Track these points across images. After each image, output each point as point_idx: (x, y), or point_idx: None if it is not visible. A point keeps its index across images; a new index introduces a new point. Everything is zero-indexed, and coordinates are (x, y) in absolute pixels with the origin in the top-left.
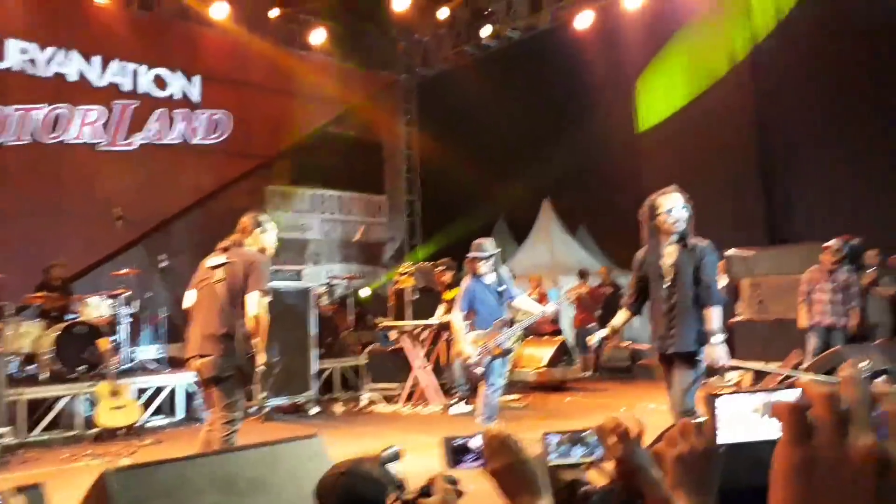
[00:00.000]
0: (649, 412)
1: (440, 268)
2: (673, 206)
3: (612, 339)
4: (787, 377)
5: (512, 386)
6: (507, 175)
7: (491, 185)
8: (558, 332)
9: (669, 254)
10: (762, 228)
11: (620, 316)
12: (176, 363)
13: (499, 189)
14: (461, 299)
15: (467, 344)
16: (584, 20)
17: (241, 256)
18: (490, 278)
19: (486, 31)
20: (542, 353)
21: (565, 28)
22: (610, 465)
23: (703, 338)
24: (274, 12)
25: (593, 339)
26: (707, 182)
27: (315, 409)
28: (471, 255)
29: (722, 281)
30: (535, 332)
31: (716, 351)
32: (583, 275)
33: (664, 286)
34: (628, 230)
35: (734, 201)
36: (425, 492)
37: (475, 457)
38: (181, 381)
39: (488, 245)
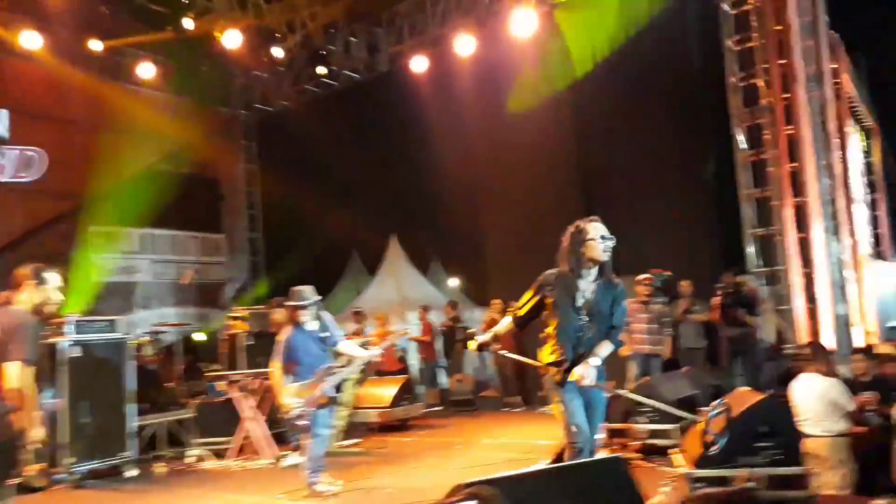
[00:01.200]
0: (484, 447)
1: (273, 307)
2: (602, 233)
3: (493, 345)
4: None
5: (353, 429)
6: (356, 211)
7: (340, 221)
8: (404, 370)
9: (589, 288)
10: None
11: (504, 324)
12: None
13: (350, 225)
14: (281, 350)
15: (289, 396)
16: (419, 64)
17: (5, 317)
18: (312, 325)
19: (323, 70)
20: (385, 392)
21: (403, 70)
22: None
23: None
24: (96, 45)
25: (472, 345)
26: (536, 221)
27: (133, 472)
28: (290, 303)
29: None
30: (378, 371)
31: (587, 370)
32: (426, 310)
33: (580, 319)
34: (474, 266)
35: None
36: None
37: None
38: None
39: (308, 293)
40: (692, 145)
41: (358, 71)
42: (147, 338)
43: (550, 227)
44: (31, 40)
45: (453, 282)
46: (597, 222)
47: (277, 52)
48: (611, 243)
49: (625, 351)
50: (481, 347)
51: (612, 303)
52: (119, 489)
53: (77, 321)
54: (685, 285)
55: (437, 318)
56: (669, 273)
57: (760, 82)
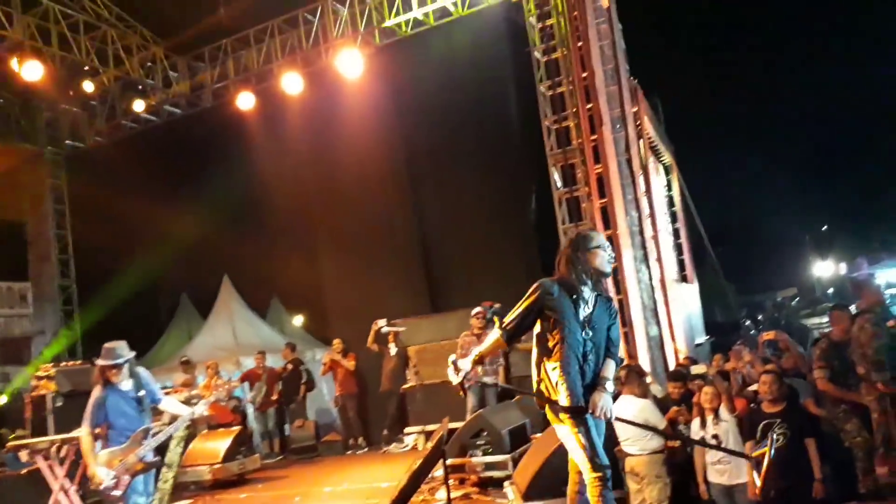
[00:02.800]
0: (325, 496)
1: (92, 364)
2: (605, 242)
3: (474, 369)
4: None
5: (185, 488)
6: (185, 249)
7: (168, 260)
8: (240, 421)
9: (590, 301)
10: (426, 296)
11: (489, 341)
12: None
13: (179, 264)
14: (91, 412)
15: (100, 465)
16: (246, 101)
17: None
18: (126, 385)
19: (139, 105)
20: (218, 446)
21: (228, 106)
22: None
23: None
24: None
25: (454, 377)
26: (373, 258)
27: None
28: (101, 362)
29: (392, 350)
30: (211, 424)
31: (604, 398)
32: (263, 356)
33: (584, 333)
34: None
35: (399, 272)
36: None
37: None
38: None
39: (121, 349)
40: (516, 184)
41: (179, 105)
42: None
43: (386, 264)
44: None
45: (297, 319)
46: (597, 232)
47: (88, 85)
48: (612, 255)
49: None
50: (465, 376)
51: (609, 318)
52: None
53: None
54: None
55: (275, 363)
56: (499, 304)
57: (571, 124)
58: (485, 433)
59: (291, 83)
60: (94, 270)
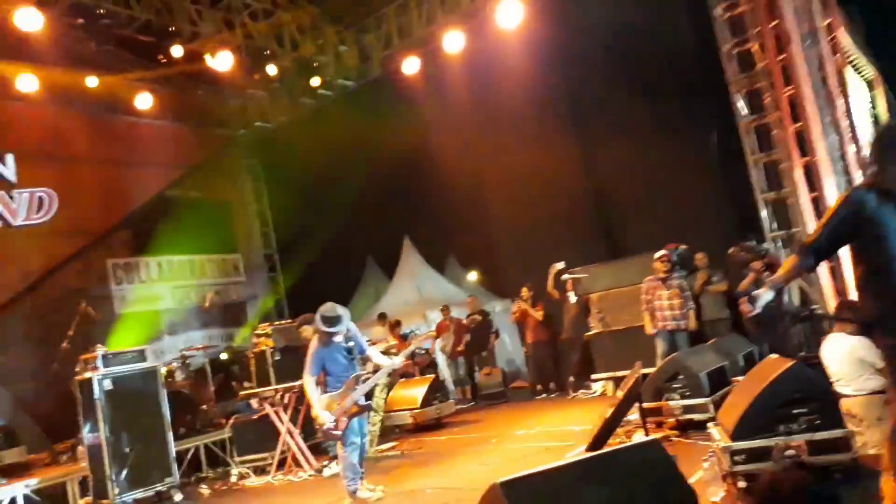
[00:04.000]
0: (519, 438)
1: (298, 324)
2: None
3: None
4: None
5: (388, 433)
6: (367, 215)
7: (352, 228)
8: (432, 367)
9: None
10: (602, 245)
11: (787, 268)
12: (15, 470)
13: (362, 231)
14: (311, 362)
15: (321, 408)
16: (411, 66)
17: None
18: (338, 337)
19: (315, 82)
20: (415, 393)
21: (396, 74)
22: None
23: None
24: (91, 81)
25: (759, 301)
26: (543, 207)
27: (178, 496)
28: (323, 328)
29: (572, 298)
30: (405, 373)
31: None
32: (447, 309)
33: None
34: (489, 259)
35: (572, 222)
36: None
37: None
38: (19, 492)
39: (338, 310)
40: (694, 119)
41: (351, 78)
42: (177, 363)
43: (560, 214)
44: (27, 83)
45: (472, 276)
46: None
47: (270, 69)
48: None
49: (649, 329)
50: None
51: None
52: None
53: (104, 355)
54: (701, 258)
55: (459, 315)
56: (685, 247)
57: (754, 47)
58: (681, 376)
59: (453, 41)
60: (291, 239)
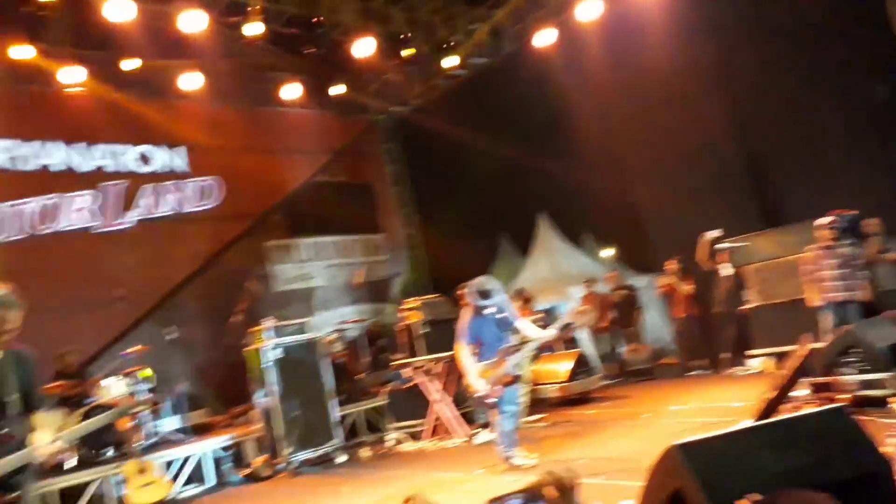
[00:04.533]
0: (672, 414)
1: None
2: None
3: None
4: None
5: (534, 406)
6: (501, 194)
7: (487, 205)
8: (573, 342)
9: None
10: (756, 214)
11: None
12: (200, 430)
13: (497, 208)
14: (464, 332)
15: (475, 377)
16: (544, 38)
17: None
18: (490, 308)
19: (449, 62)
20: (561, 367)
21: (530, 48)
22: None
23: None
24: (246, 76)
25: None
26: (691, 177)
27: (342, 458)
28: (476, 300)
29: (726, 270)
30: (550, 347)
31: None
32: (591, 283)
33: None
34: (629, 233)
35: (722, 191)
36: None
37: None
38: (208, 448)
39: (491, 282)
40: (858, 72)
41: (484, 56)
42: (334, 335)
43: (707, 184)
44: (192, 81)
45: (606, 252)
46: None
47: (405, 52)
48: None
49: (815, 301)
50: None
51: None
52: (333, 474)
53: (272, 327)
54: (874, 223)
55: (601, 290)
56: (854, 212)
57: None
58: (857, 350)
59: (589, 10)
60: (430, 217)
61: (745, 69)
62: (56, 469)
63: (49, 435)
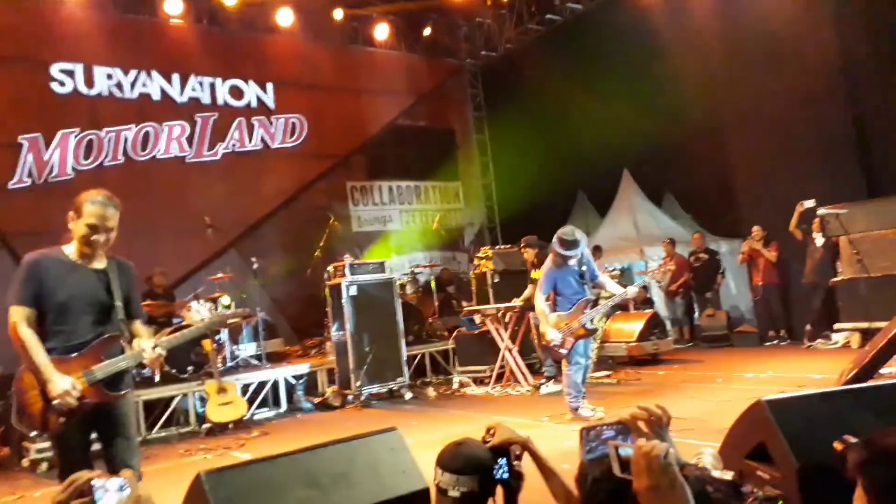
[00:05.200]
0: (747, 381)
1: (522, 246)
2: None
3: None
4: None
5: (602, 362)
6: (583, 148)
7: (567, 160)
8: (650, 302)
9: None
10: (861, 184)
11: None
12: (275, 358)
13: (576, 163)
14: (543, 281)
15: (550, 326)
16: None
17: None
18: (572, 260)
19: (544, 7)
20: (633, 326)
21: None
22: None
23: None
24: (338, 13)
25: None
26: (793, 138)
27: (409, 395)
28: (559, 250)
29: (819, 240)
30: (623, 306)
31: None
32: (672, 243)
33: None
34: (716, 196)
35: (822, 157)
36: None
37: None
38: (282, 375)
39: (577, 234)
40: None
41: (581, 2)
42: (406, 278)
43: (807, 144)
44: (285, 17)
45: (684, 215)
46: None
47: None
48: None
49: None
50: None
51: None
52: (401, 409)
53: (352, 264)
54: None
55: (682, 252)
56: None
57: None
58: None
59: None
60: (507, 168)
61: (859, 27)
62: (144, 382)
63: (151, 342)
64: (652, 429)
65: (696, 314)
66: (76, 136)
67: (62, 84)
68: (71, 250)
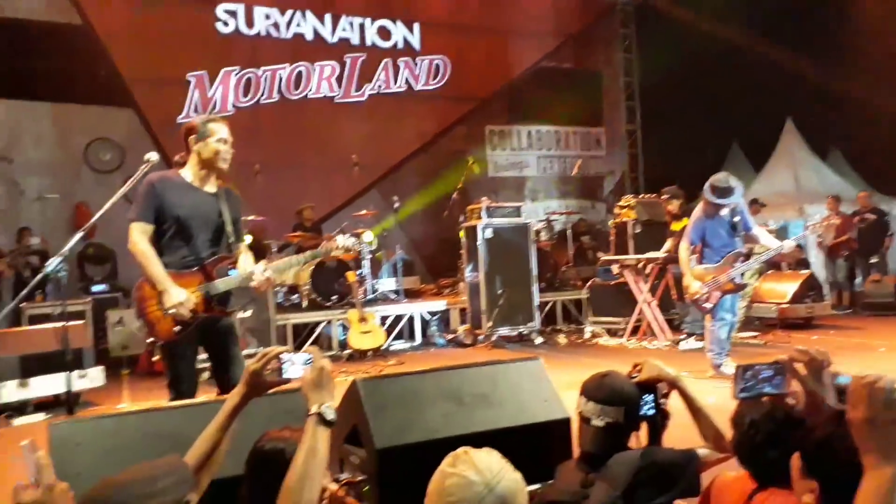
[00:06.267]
0: None
1: (665, 196)
2: None
3: None
4: None
5: (749, 323)
6: (739, 97)
7: (721, 108)
8: (805, 264)
9: None
10: None
11: None
12: (411, 294)
13: (730, 112)
14: (691, 230)
15: (694, 278)
16: None
17: None
18: (724, 210)
19: None
20: (786, 287)
21: None
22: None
23: None
24: None
25: None
26: None
27: (539, 340)
28: (711, 198)
29: None
30: (776, 264)
31: None
32: (836, 200)
33: None
34: (890, 152)
35: None
36: None
37: (767, 385)
38: (418, 310)
39: (731, 181)
40: None
41: None
42: (542, 224)
43: None
44: None
45: (851, 172)
46: None
47: None
48: None
49: None
50: None
51: None
52: (532, 352)
53: (488, 207)
54: None
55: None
56: None
57: None
58: None
59: None
60: (656, 115)
61: None
62: (293, 307)
63: (261, 265)
64: (811, 372)
65: (859, 279)
66: (237, 74)
67: (225, 24)
68: (188, 174)
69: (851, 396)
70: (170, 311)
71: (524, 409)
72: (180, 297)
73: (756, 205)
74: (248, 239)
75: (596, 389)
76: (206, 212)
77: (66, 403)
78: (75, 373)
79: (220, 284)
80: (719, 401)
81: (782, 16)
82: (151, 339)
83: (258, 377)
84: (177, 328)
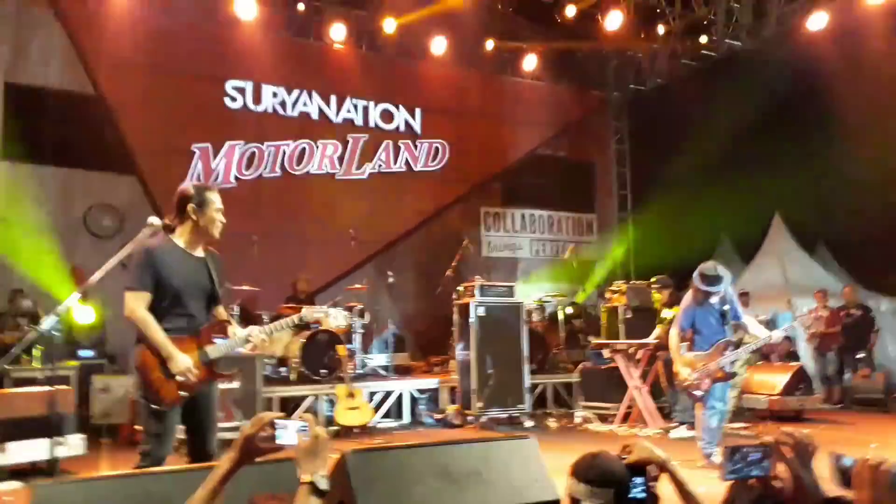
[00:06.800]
0: None
1: (655, 286)
2: None
3: None
4: None
5: (739, 414)
6: (729, 190)
7: (711, 201)
8: (794, 356)
9: None
10: None
11: None
12: (402, 370)
13: (721, 205)
14: (681, 317)
15: (684, 365)
16: (816, 22)
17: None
18: (713, 298)
19: (703, 39)
20: (776, 379)
21: (792, 33)
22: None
23: None
24: (489, 44)
25: None
26: None
27: (529, 423)
28: (700, 286)
29: None
30: (767, 356)
31: None
32: (824, 295)
33: None
34: (878, 246)
35: None
36: None
37: (755, 468)
38: (407, 388)
39: (720, 271)
40: None
41: (740, 38)
42: (534, 306)
43: None
44: (438, 45)
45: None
46: None
47: (661, 29)
48: None
49: None
50: None
51: None
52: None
53: (482, 285)
54: None
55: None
56: None
57: None
58: None
59: None
60: (646, 204)
61: None
62: (282, 380)
63: (256, 328)
64: (797, 455)
65: (847, 374)
66: (241, 148)
67: (234, 99)
68: (180, 240)
69: (856, 478)
70: (178, 378)
71: (515, 489)
72: (187, 362)
73: (745, 297)
74: (236, 309)
75: (586, 470)
76: (198, 279)
77: (44, 472)
78: (55, 439)
79: (219, 349)
80: (710, 490)
81: (769, 114)
82: (149, 404)
83: (251, 443)
84: (182, 393)
